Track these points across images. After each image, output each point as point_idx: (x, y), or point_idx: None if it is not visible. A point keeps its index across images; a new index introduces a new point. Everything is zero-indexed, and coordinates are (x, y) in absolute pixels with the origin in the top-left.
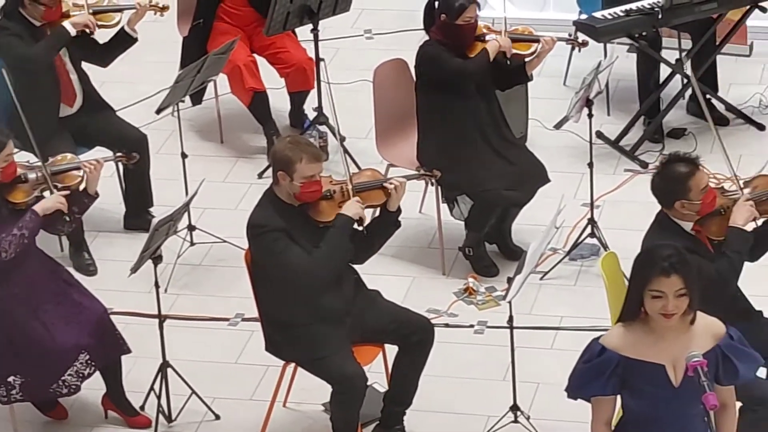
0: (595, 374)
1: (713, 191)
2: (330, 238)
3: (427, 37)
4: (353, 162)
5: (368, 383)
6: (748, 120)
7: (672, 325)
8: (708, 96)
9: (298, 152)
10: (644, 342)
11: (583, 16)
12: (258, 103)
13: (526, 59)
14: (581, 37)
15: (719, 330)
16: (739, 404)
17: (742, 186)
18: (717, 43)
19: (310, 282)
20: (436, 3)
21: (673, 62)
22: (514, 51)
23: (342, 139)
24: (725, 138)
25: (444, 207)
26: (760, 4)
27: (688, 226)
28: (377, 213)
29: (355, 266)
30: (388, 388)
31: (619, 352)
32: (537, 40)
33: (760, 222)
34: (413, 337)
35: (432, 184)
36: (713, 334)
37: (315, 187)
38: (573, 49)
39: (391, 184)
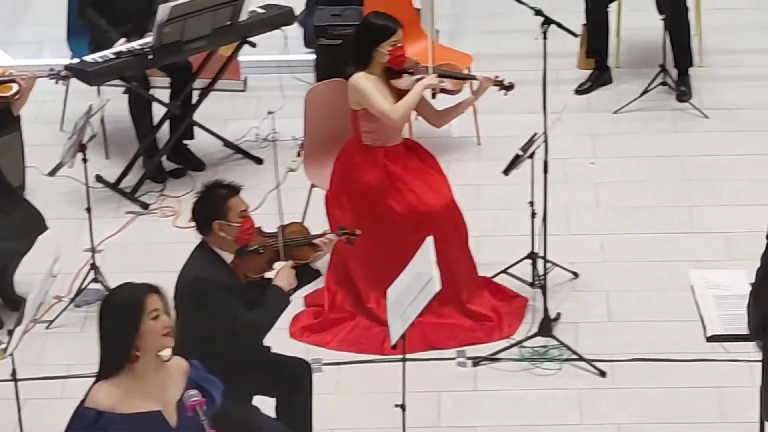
0: None
1: (251, 220)
2: None
3: None
4: None
5: None
6: (247, 155)
7: (158, 364)
8: (186, 141)
9: None
10: (134, 392)
11: (75, 60)
12: None
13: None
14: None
15: (183, 363)
16: None
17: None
18: (211, 80)
19: None
20: None
21: (167, 101)
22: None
23: None
24: (225, 173)
25: None
26: (249, 39)
27: (228, 257)
28: None
29: None
30: None
31: (115, 411)
32: (13, 80)
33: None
34: None
35: None
36: (180, 368)
37: None
38: (57, 82)
39: None
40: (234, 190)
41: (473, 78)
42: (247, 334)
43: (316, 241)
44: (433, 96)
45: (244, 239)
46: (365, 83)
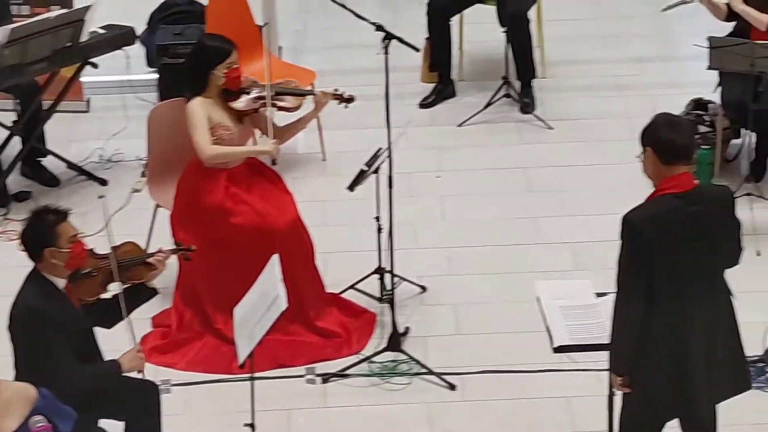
0: None
1: (82, 244)
2: None
3: None
4: None
5: None
6: (91, 176)
7: None
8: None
9: None
10: None
11: None
12: None
13: None
14: None
15: (30, 391)
16: None
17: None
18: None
19: None
20: None
21: (10, 125)
22: None
23: None
24: (69, 195)
25: None
26: (91, 60)
27: (60, 283)
28: None
29: None
30: None
31: None
32: None
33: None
34: None
35: None
36: (24, 397)
37: None
38: None
39: None
40: (62, 215)
41: (311, 93)
42: (60, 385)
43: (150, 259)
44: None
45: (75, 264)
46: (196, 112)
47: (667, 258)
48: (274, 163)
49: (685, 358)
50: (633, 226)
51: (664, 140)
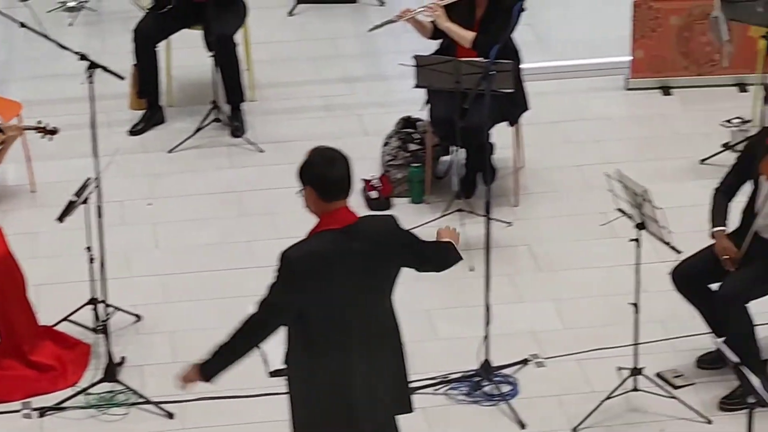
0: None
1: None
2: None
3: None
4: None
5: None
6: None
7: None
8: None
9: None
10: None
11: None
12: None
13: None
14: None
15: None
16: None
17: None
18: None
19: None
20: None
21: None
22: None
23: None
24: None
25: None
26: None
27: None
28: None
29: None
30: None
31: None
32: None
33: None
34: None
35: None
36: None
37: None
38: None
39: None
40: None
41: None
42: None
43: None
44: None
45: None
46: None
47: (325, 294)
48: None
49: (348, 390)
50: (289, 262)
51: (321, 177)
